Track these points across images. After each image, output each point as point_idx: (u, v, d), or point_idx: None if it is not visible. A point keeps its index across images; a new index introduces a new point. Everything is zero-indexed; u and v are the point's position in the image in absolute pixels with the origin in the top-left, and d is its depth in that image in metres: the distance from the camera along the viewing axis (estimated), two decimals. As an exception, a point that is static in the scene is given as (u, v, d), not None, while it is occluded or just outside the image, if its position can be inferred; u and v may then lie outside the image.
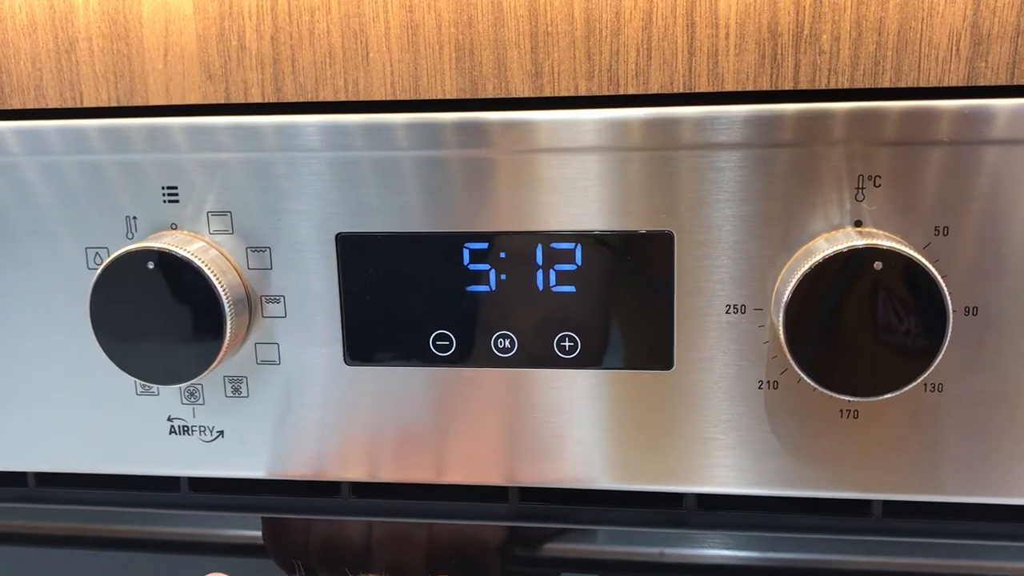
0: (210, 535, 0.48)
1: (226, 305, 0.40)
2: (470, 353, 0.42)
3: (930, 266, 0.36)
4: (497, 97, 0.39)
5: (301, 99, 0.40)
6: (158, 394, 0.44)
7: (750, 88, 0.38)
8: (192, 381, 0.42)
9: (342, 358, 0.42)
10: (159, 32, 0.41)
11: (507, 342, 0.41)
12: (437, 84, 0.40)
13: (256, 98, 0.41)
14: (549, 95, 0.39)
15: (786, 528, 0.44)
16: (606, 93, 0.39)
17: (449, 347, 0.42)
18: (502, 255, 0.40)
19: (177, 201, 0.42)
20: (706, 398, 0.41)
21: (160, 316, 0.41)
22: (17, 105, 0.42)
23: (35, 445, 0.46)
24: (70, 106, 0.42)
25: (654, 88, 0.38)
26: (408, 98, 0.40)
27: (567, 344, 0.41)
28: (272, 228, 0.41)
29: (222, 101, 0.41)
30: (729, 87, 0.38)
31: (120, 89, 0.41)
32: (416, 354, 0.42)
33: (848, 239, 0.37)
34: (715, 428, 0.41)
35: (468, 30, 0.39)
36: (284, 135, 0.40)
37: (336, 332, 0.42)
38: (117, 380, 0.43)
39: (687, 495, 0.44)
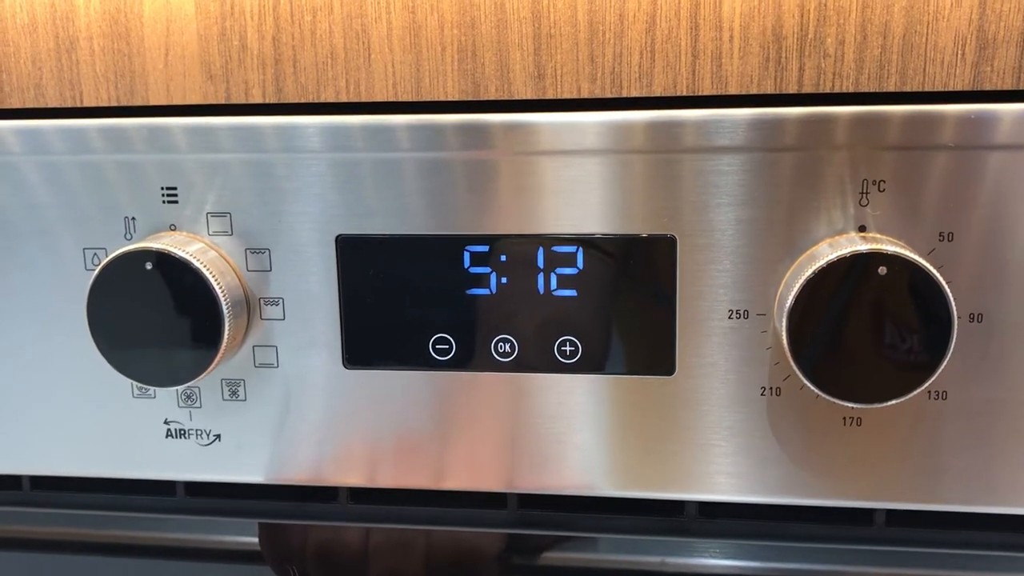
0: (206, 540, 0.47)
1: (224, 307, 0.40)
2: (470, 357, 0.41)
3: (935, 272, 0.36)
4: (499, 99, 0.39)
5: (302, 100, 0.40)
6: (155, 397, 0.44)
7: (754, 91, 0.38)
8: (189, 384, 0.41)
9: (341, 362, 0.42)
10: (160, 32, 0.40)
11: (507, 346, 0.41)
12: (439, 85, 0.39)
13: (257, 99, 0.41)
14: (552, 97, 0.39)
15: (788, 537, 0.43)
16: (609, 96, 0.39)
17: (449, 351, 0.41)
18: (503, 258, 0.40)
19: (176, 202, 0.41)
20: (708, 404, 0.40)
21: (157, 318, 0.40)
22: (17, 104, 0.42)
23: (29, 448, 0.45)
24: (70, 106, 0.42)
25: (657, 91, 0.38)
26: (410, 99, 0.40)
27: (568, 349, 0.41)
28: (272, 230, 0.41)
29: (223, 101, 0.41)
30: (733, 90, 0.38)
31: (120, 89, 0.41)
32: (416, 358, 0.42)
33: (852, 244, 0.36)
34: (717, 435, 0.41)
35: (471, 32, 0.39)
36: (285, 136, 0.40)
37: (335, 335, 0.42)
38: (113, 382, 0.43)
39: (688, 503, 0.44)
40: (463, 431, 0.42)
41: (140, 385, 0.43)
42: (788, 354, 0.37)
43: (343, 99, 0.40)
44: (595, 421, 0.41)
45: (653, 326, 0.40)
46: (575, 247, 0.40)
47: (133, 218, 0.42)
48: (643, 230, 0.39)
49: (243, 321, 0.42)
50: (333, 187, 0.40)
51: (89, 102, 0.41)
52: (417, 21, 0.39)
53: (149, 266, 0.40)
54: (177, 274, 0.40)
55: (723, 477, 0.41)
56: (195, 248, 0.40)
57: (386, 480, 0.44)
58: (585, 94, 0.39)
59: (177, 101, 0.41)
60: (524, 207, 0.40)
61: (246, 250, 0.42)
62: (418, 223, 0.40)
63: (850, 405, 0.37)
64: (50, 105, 0.42)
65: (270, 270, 0.42)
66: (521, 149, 0.39)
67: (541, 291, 0.40)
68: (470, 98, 0.39)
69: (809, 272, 0.36)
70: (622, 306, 0.40)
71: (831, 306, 0.37)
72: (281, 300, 0.42)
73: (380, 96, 0.40)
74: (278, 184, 0.41)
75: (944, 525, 0.43)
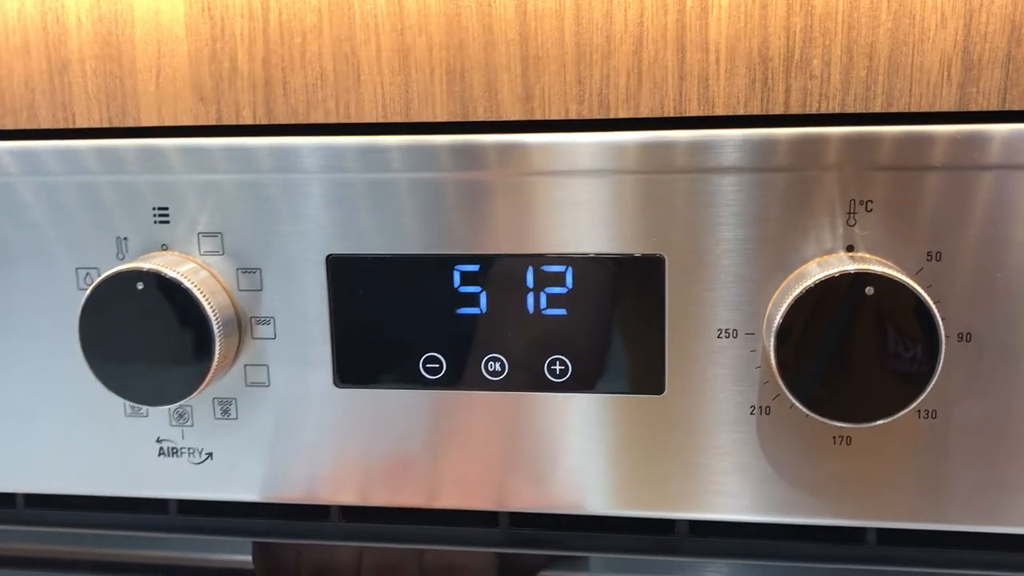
0: (199, 559, 0.47)
1: (215, 326, 0.40)
2: (460, 376, 0.41)
3: (923, 292, 0.36)
4: (488, 120, 0.39)
5: (292, 121, 0.40)
6: (147, 415, 0.44)
7: (741, 112, 0.38)
8: (181, 402, 0.42)
9: (332, 380, 0.42)
10: (151, 54, 0.41)
11: (497, 365, 0.41)
12: (428, 107, 0.40)
13: (248, 120, 0.41)
14: (540, 118, 0.39)
15: (779, 555, 0.43)
16: (596, 117, 0.39)
17: (439, 370, 0.42)
18: (493, 277, 0.40)
19: (168, 222, 0.42)
20: (698, 423, 0.40)
21: (149, 337, 0.40)
22: (10, 126, 0.42)
23: (23, 466, 0.45)
24: (62, 127, 0.42)
25: (644, 112, 0.38)
26: (399, 120, 0.40)
27: (558, 368, 0.41)
28: (263, 249, 0.41)
29: (214, 123, 0.41)
30: (720, 111, 0.38)
31: (112, 110, 0.42)
32: (406, 377, 0.42)
33: (840, 264, 0.37)
34: (707, 454, 0.41)
35: (459, 53, 0.39)
36: (278, 157, 0.40)
37: (326, 354, 0.42)
38: (106, 401, 0.43)
39: (679, 521, 0.44)
40: (454, 449, 0.42)
41: (132, 404, 0.43)
42: (776, 373, 0.37)
43: (333, 120, 0.40)
44: (585, 440, 0.41)
45: (643, 345, 0.40)
46: (564, 266, 0.40)
47: (125, 238, 0.42)
48: (633, 250, 0.39)
49: (234, 340, 0.42)
50: (325, 207, 0.41)
51: (81, 123, 0.42)
52: (406, 43, 0.39)
53: (141, 286, 0.40)
54: (168, 294, 0.40)
55: (713, 496, 0.41)
56: (186, 268, 0.41)
57: (378, 498, 0.44)
58: (573, 115, 0.39)
59: (169, 122, 0.41)
60: (515, 226, 0.40)
61: (237, 270, 0.42)
62: (410, 243, 0.40)
63: (839, 424, 0.37)
64: (43, 126, 0.42)
65: (261, 289, 0.42)
66: (513, 169, 0.39)
67: (531, 310, 0.40)
68: (459, 119, 0.39)
69: (797, 291, 0.36)
70: (612, 325, 0.40)
71: (819, 325, 0.37)
72: (272, 319, 0.42)
73: (370, 117, 0.40)
74: (270, 204, 0.41)
75: (936, 544, 0.42)
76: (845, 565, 0.43)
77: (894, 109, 0.37)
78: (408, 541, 0.46)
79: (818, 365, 0.37)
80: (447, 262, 0.40)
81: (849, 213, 0.38)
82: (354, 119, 0.40)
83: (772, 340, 0.37)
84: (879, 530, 0.43)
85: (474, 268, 0.40)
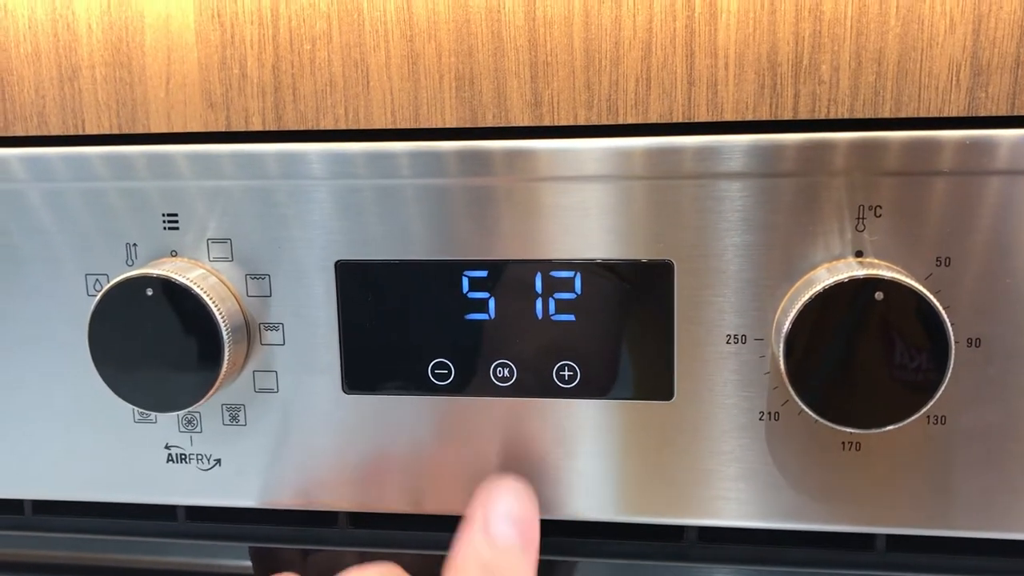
0: (206, 564, 0.47)
1: (224, 332, 0.40)
2: (469, 382, 0.41)
3: (932, 297, 0.36)
4: (497, 126, 0.39)
5: (302, 127, 0.41)
6: (155, 422, 0.44)
7: (749, 118, 0.38)
8: (190, 409, 0.42)
9: (341, 387, 0.42)
10: (161, 61, 0.41)
11: (506, 371, 0.41)
12: (437, 113, 0.40)
13: (257, 126, 0.41)
14: (548, 124, 0.39)
15: (788, 562, 0.43)
16: (605, 123, 0.39)
17: (448, 376, 0.42)
18: (501, 283, 0.40)
19: (177, 228, 0.42)
20: (706, 429, 0.40)
21: (158, 343, 0.40)
22: (20, 132, 0.42)
23: (31, 472, 0.45)
24: (72, 133, 0.42)
25: (653, 118, 0.38)
26: (408, 127, 0.40)
27: (566, 373, 0.41)
28: (272, 255, 0.41)
29: (223, 129, 0.41)
30: (728, 117, 0.38)
31: (122, 117, 0.42)
32: (415, 383, 0.42)
33: (849, 269, 0.37)
34: (716, 460, 0.41)
35: (468, 60, 0.39)
36: (286, 163, 0.40)
37: (335, 360, 0.42)
38: (114, 407, 0.43)
39: (688, 528, 0.44)
40: (462, 456, 0.42)
41: (141, 410, 0.43)
42: (785, 379, 0.37)
43: (342, 127, 0.40)
44: (594, 446, 0.41)
45: (651, 351, 0.40)
46: (573, 272, 0.40)
47: (135, 244, 0.42)
48: (641, 255, 0.39)
49: (243, 346, 0.42)
50: (333, 213, 0.41)
51: (91, 130, 0.42)
52: (415, 50, 0.39)
53: (150, 292, 0.40)
54: (178, 300, 0.40)
55: (722, 502, 0.41)
56: (196, 274, 0.41)
57: (385, 504, 0.44)
58: (582, 121, 0.39)
59: (178, 129, 0.41)
60: (524, 232, 0.40)
61: (246, 276, 0.42)
62: (418, 248, 0.40)
63: (848, 430, 0.37)
64: (52, 133, 0.42)
65: (270, 296, 0.42)
66: (521, 175, 0.39)
67: (540, 316, 0.40)
68: (468, 125, 0.40)
69: (806, 297, 0.36)
70: (620, 331, 0.40)
71: (828, 331, 0.37)
72: (281, 325, 0.42)
73: (379, 123, 0.40)
74: (279, 210, 0.41)
75: (945, 550, 0.42)
76: (854, 571, 0.42)
77: (903, 114, 0.37)
78: (416, 547, 0.46)
79: (827, 371, 0.37)
80: (456, 268, 0.40)
81: (858, 218, 0.38)
82: (363, 125, 0.40)
83: (781, 346, 0.37)
84: (888, 536, 0.42)
85: (483, 274, 0.40)
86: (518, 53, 0.39)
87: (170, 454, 0.44)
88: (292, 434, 0.43)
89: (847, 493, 0.40)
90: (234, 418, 0.43)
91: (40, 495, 0.46)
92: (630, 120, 0.39)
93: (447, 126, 0.40)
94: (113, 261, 0.42)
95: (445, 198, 0.40)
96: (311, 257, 0.41)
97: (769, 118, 0.38)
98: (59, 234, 0.42)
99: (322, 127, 0.41)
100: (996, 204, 0.37)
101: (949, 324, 0.36)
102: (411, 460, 0.43)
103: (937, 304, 0.36)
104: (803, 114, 0.38)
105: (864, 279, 0.36)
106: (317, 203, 0.41)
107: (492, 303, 0.41)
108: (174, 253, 0.42)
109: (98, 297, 0.40)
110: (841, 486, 0.40)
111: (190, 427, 0.44)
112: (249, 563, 0.48)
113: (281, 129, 0.41)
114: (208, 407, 0.43)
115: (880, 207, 0.37)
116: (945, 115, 0.37)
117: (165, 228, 0.42)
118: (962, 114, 0.37)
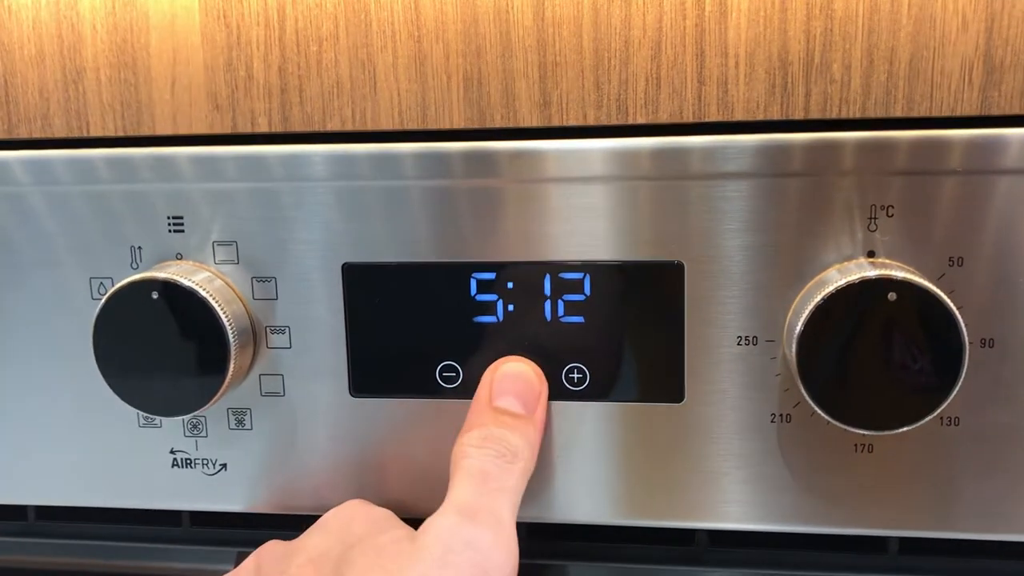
0: (211, 570, 0.47)
1: (230, 336, 0.40)
2: (477, 385, 0.41)
3: (945, 297, 0.36)
4: (505, 127, 0.39)
5: (308, 129, 0.40)
6: (160, 426, 0.43)
7: (760, 117, 0.38)
8: (195, 413, 0.41)
9: (347, 390, 0.42)
10: (167, 62, 0.41)
11: (515, 374, 0.41)
12: (445, 114, 0.39)
13: (263, 128, 0.41)
14: (557, 125, 0.39)
15: (800, 565, 0.43)
16: (615, 123, 0.38)
17: (456, 379, 0.41)
18: (510, 285, 0.40)
19: (183, 231, 0.41)
20: (717, 431, 0.40)
21: (163, 347, 0.40)
22: (24, 135, 0.42)
23: (35, 478, 0.45)
24: (77, 136, 0.42)
25: (663, 118, 0.38)
26: (416, 128, 0.40)
27: (575, 376, 0.40)
28: (278, 258, 0.41)
29: (229, 131, 0.41)
30: (739, 116, 0.38)
31: (127, 119, 0.41)
32: (423, 386, 0.41)
33: (861, 270, 0.36)
34: (727, 462, 0.40)
35: (476, 60, 0.39)
36: (291, 165, 0.40)
37: (341, 364, 0.42)
38: (119, 412, 0.43)
39: (699, 531, 0.43)
40: (470, 459, 0.42)
41: (145, 415, 0.43)
42: (798, 381, 0.37)
43: (349, 128, 0.40)
44: (604, 449, 0.41)
45: (661, 353, 0.40)
46: (582, 274, 0.40)
47: (139, 247, 0.42)
48: (650, 256, 0.39)
49: (249, 350, 0.41)
50: (339, 215, 0.40)
51: (96, 132, 0.42)
52: (423, 50, 0.39)
53: (155, 295, 0.40)
54: (183, 303, 0.40)
55: (734, 505, 0.41)
56: (201, 277, 0.40)
57: (393, 508, 0.43)
58: (591, 121, 0.39)
59: (183, 131, 0.41)
60: (531, 234, 0.39)
61: (252, 279, 0.41)
62: (425, 250, 0.40)
63: (861, 432, 0.37)
64: (57, 135, 0.42)
65: (276, 298, 0.41)
66: (527, 176, 0.39)
67: (548, 318, 0.40)
68: (476, 126, 0.39)
69: (818, 298, 0.36)
70: (630, 333, 0.40)
71: (841, 332, 0.36)
72: (287, 328, 0.42)
73: (386, 125, 0.40)
74: (284, 213, 0.41)
75: (958, 553, 0.42)
76: (868, 575, 0.42)
77: (915, 114, 0.37)
78: (424, 552, 0.45)
79: (840, 372, 0.37)
80: (463, 270, 0.40)
81: (870, 218, 0.37)
82: (370, 127, 0.40)
83: (793, 347, 0.37)
84: (901, 539, 0.42)
85: (491, 276, 0.40)
86: (527, 53, 0.38)
87: (175, 459, 0.44)
88: (299, 438, 0.43)
89: (860, 495, 0.40)
90: (240, 422, 0.43)
91: (44, 501, 0.46)
92: (640, 120, 0.38)
93: (455, 127, 0.39)
94: (117, 264, 0.42)
95: (451, 199, 0.40)
96: (317, 259, 0.41)
97: (780, 117, 0.37)
98: (63, 237, 0.42)
99: (329, 129, 0.40)
100: (1009, 203, 0.37)
101: (963, 324, 0.35)
102: (418, 463, 0.42)
103: (951, 304, 0.35)
104: (814, 113, 0.37)
105: (876, 279, 0.36)
106: (323, 205, 0.40)
107: (500, 305, 0.40)
108: (179, 256, 0.42)
109: (102, 300, 0.40)
110: (854, 488, 0.40)
111: (195, 432, 0.43)
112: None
113: (288, 131, 0.40)
114: (213, 411, 0.43)
115: (892, 207, 0.37)
116: (958, 114, 0.37)
117: (170, 231, 0.42)
118: (975, 113, 0.37)
